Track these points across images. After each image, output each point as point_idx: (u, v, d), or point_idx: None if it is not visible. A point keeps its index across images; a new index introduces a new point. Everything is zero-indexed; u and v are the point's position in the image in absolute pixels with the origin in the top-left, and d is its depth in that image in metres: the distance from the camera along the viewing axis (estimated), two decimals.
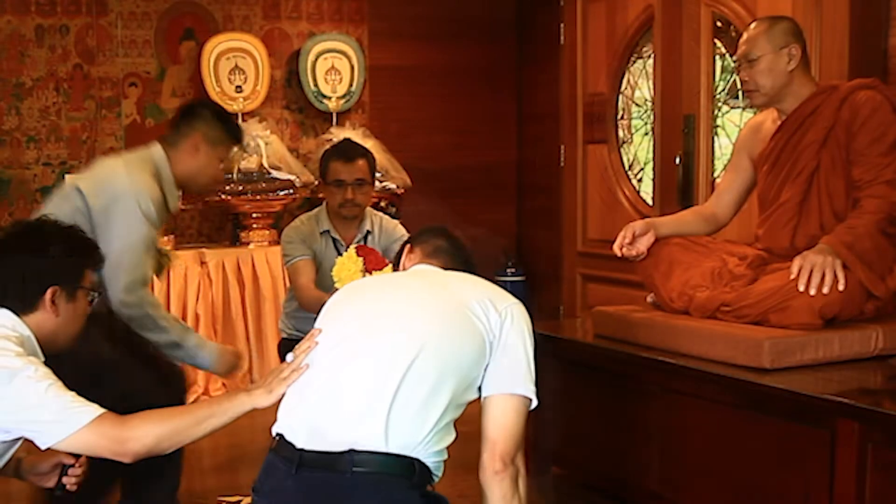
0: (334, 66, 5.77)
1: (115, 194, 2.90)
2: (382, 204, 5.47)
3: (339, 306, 2.18)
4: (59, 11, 5.32)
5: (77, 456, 2.18)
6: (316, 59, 5.74)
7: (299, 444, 1.96)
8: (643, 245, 3.21)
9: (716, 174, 4.62)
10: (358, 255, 3.36)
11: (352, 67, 5.80)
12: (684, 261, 3.18)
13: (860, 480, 2.42)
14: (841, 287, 2.80)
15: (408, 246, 2.38)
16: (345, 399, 1.97)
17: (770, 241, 3.18)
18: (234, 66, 5.53)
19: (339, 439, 1.93)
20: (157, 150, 3.08)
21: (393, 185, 5.58)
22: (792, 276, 2.83)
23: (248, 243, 5.41)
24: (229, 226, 5.62)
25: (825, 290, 2.79)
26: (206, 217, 5.66)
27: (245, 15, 5.70)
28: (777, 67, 3.05)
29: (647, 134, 5.17)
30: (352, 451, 1.91)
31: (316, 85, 5.74)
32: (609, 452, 3.32)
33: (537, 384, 2.07)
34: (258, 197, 5.34)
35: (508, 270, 6.20)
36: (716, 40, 4.61)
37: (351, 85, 5.80)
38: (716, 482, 2.88)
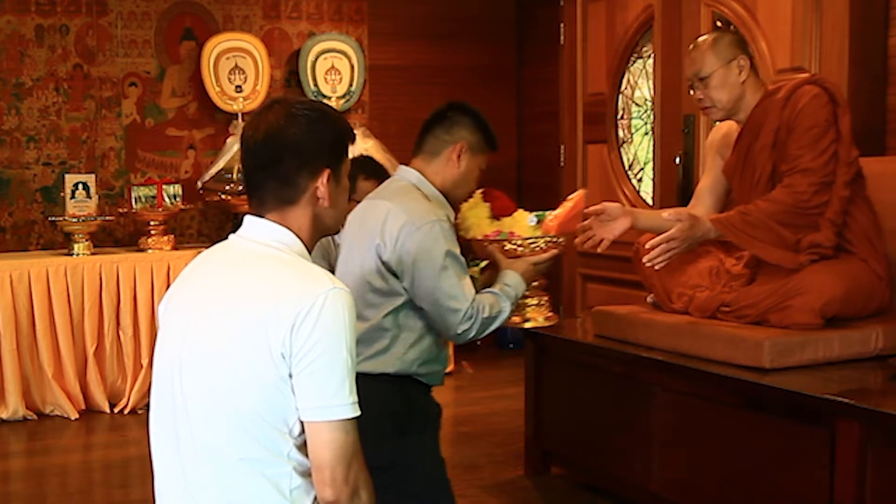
0: (334, 66, 5.78)
1: (412, 238, 2.61)
2: None
3: (158, 344, 1.92)
4: (59, 11, 5.32)
5: None
6: (316, 59, 5.74)
7: None
8: (618, 229, 3.04)
9: None
10: (485, 201, 3.12)
11: (352, 67, 5.81)
12: (682, 260, 3.17)
13: (860, 480, 2.42)
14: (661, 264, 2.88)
15: None
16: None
17: None
18: (234, 65, 5.53)
19: None
20: (408, 173, 2.82)
21: None
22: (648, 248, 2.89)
23: None
24: (229, 226, 5.61)
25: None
26: (206, 217, 5.67)
27: (245, 15, 5.70)
28: (729, 80, 3.04)
29: (647, 134, 5.17)
30: None
31: (316, 85, 5.74)
32: (609, 452, 3.32)
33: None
34: None
35: None
36: None
37: (351, 85, 5.81)
38: (716, 482, 2.88)
